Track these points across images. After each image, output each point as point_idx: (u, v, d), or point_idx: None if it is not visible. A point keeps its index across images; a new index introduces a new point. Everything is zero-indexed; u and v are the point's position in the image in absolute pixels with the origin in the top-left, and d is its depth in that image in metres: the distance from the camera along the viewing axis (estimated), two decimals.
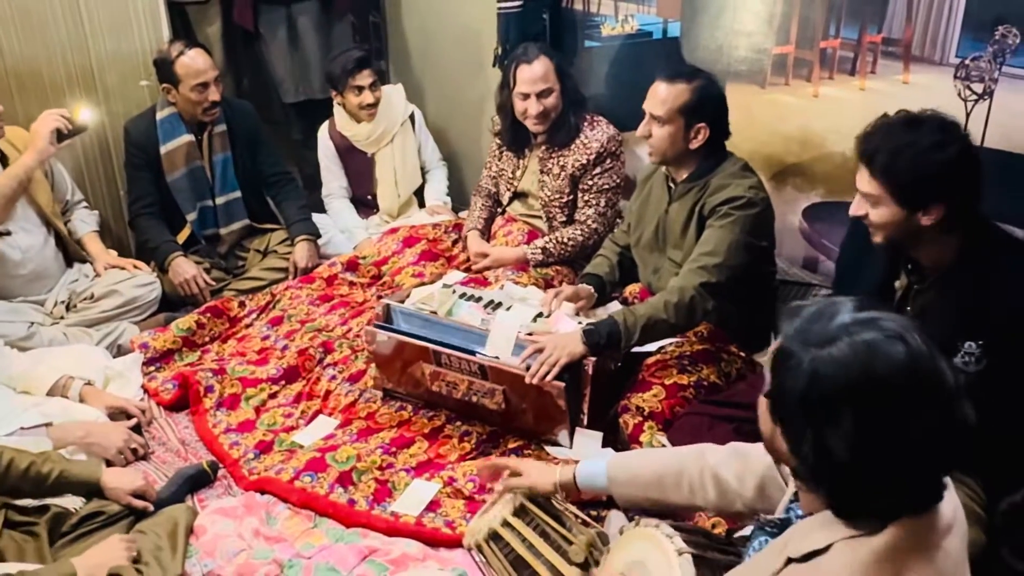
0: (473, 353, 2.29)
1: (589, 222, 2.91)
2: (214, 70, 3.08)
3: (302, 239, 3.29)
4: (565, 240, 2.92)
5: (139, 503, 2.04)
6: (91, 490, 2.03)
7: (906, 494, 1.06)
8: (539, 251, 2.92)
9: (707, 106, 2.29)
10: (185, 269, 3.10)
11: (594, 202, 2.91)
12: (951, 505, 1.12)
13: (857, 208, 1.76)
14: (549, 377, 2.15)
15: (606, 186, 2.90)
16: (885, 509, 1.07)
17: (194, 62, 3.03)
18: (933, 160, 1.65)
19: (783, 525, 1.22)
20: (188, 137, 3.15)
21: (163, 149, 3.14)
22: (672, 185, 2.44)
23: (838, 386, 1.03)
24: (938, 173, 1.65)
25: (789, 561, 1.12)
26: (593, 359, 2.21)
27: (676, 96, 2.27)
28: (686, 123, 2.29)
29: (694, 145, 2.32)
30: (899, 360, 1.02)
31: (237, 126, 3.26)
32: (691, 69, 2.38)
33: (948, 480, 1.14)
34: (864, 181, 1.72)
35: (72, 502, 2.00)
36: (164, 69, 3.06)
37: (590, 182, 2.91)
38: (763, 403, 1.17)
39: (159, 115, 3.13)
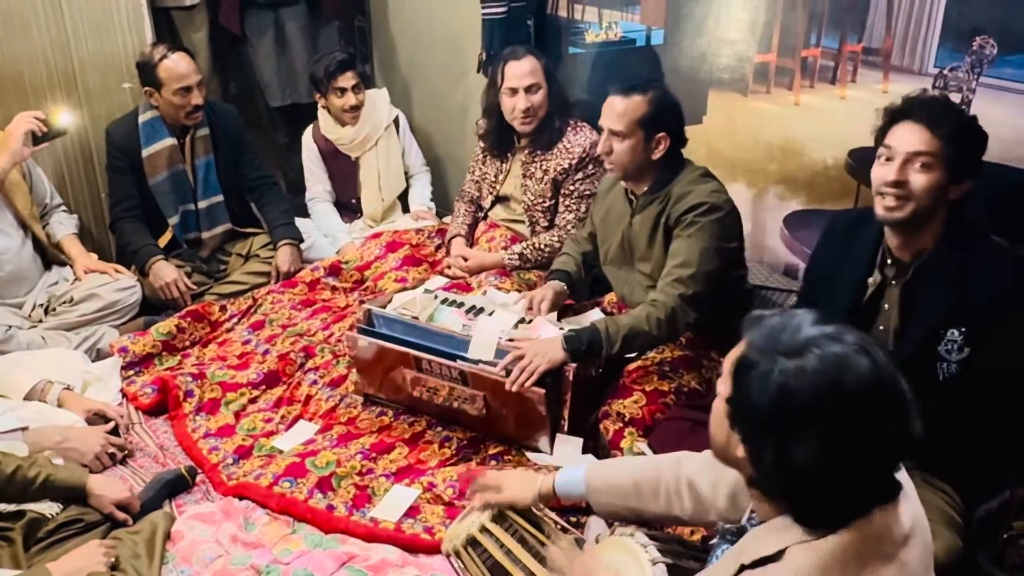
0: (454, 359, 2.29)
1: (568, 227, 2.91)
2: (197, 74, 3.07)
3: (284, 243, 3.28)
4: (542, 246, 2.92)
5: (121, 515, 2.02)
6: (76, 496, 2.01)
7: (862, 497, 1.07)
8: (516, 256, 2.93)
9: (666, 115, 2.29)
10: (166, 273, 3.08)
11: (574, 207, 2.92)
12: (909, 516, 1.12)
13: (902, 172, 1.71)
14: (528, 383, 2.15)
15: (586, 192, 2.91)
16: (841, 512, 1.07)
17: (177, 66, 3.01)
18: (981, 131, 1.71)
19: (740, 533, 1.22)
20: (170, 140, 3.14)
21: (145, 152, 3.12)
22: (632, 198, 2.43)
23: (807, 399, 1.03)
24: (977, 135, 1.71)
25: (742, 568, 1.12)
26: (574, 365, 2.21)
27: (634, 108, 2.26)
28: (646, 135, 2.28)
29: (656, 156, 2.31)
30: (866, 373, 1.03)
31: (220, 130, 3.25)
32: (644, 81, 2.36)
33: (910, 491, 1.16)
34: (920, 140, 1.69)
35: (49, 508, 1.98)
36: (147, 72, 3.04)
37: (571, 187, 2.91)
38: (719, 409, 1.15)
39: (141, 118, 3.12)
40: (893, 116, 1.75)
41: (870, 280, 1.85)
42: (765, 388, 1.05)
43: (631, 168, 2.33)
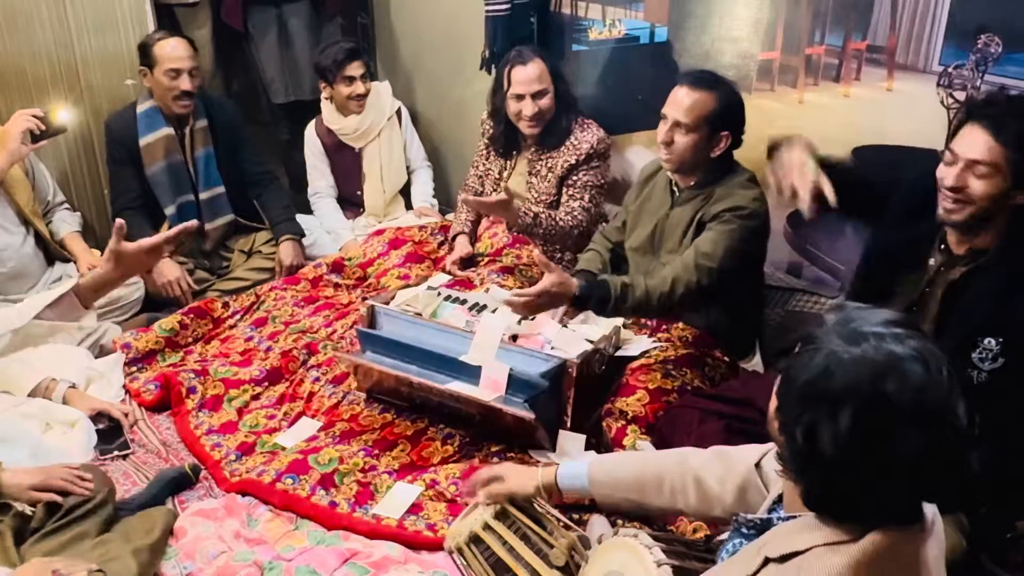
0: (451, 363, 2.27)
1: (576, 213, 2.88)
2: (191, 61, 3.06)
3: (286, 239, 3.28)
4: (556, 219, 2.86)
5: (44, 496, 1.93)
6: None
7: (881, 507, 1.06)
8: (530, 216, 2.81)
9: (731, 114, 2.28)
10: (168, 271, 3.09)
11: (579, 196, 2.91)
12: (930, 512, 1.12)
13: (960, 178, 1.68)
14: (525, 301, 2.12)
15: (590, 183, 2.90)
16: (858, 514, 1.07)
17: (172, 48, 3.04)
18: None
19: (763, 527, 1.21)
20: (167, 130, 3.15)
21: (142, 141, 3.13)
22: (676, 190, 2.43)
23: (846, 384, 1.03)
24: None
25: (767, 562, 1.11)
26: (577, 363, 2.20)
27: (703, 103, 2.24)
28: (710, 131, 2.27)
29: (715, 153, 2.30)
30: (913, 381, 1.01)
31: (219, 123, 3.25)
32: (711, 75, 2.34)
33: None
34: (981, 147, 1.65)
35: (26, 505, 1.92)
36: (144, 51, 3.07)
37: (575, 178, 2.91)
38: (779, 379, 1.17)
39: (139, 108, 3.14)
40: (965, 116, 1.72)
41: (932, 261, 1.84)
42: (810, 363, 1.06)
43: (688, 162, 2.32)
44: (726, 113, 2.27)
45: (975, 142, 1.67)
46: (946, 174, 1.72)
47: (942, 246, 1.82)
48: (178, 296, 3.08)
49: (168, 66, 3.02)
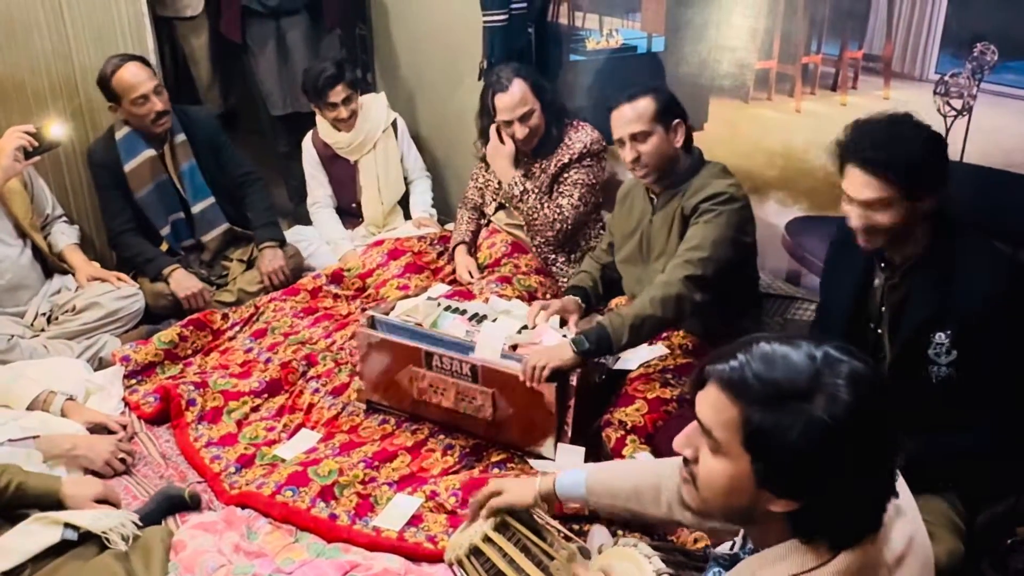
0: (466, 354, 2.29)
1: (561, 209, 2.90)
2: (152, 80, 3.02)
3: (266, 246, 3.28)
4: (545, 209, 2.90)
5: (104, 507, 2.00)
6: (52, 502, 1.97)
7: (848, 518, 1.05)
8: (521, 185, 2.90)
9: (673, 105, 2.33)
10: (191, 283, 3.11)
11: (568, 192, 2.91)
12: (905, 535, 1.10)
13: (861, 218, 1.72)
14: (540, 377, 2.15)
15: (581, 181, 2.90)
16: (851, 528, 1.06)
17: (129, 76, 2.97)
18: (926, 137, 1.70)
19: (733, 560, 1.20)
20: (150, 152, 3.12)
21: (127, 167, 3.10)
22: (653, 196, 2.45)
23: (853, 427, 1.00)
24: (932, 152, 1.69)
25: None
26: (579, 371, 2.21)
27: (645, 108, 2.29)
28: (664, 127, 2.30)
29: (678, 143, 2.33)
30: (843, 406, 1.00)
31: (196, 133, 3.22)
32: (638, 86, 2.37)
33: (907, 508, 1.14)
34: (865, 187, 1.69)
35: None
36: (105, 88, 3.02)
37: (565, 175, 2.92)
38: (730, 476, 1.07)
39: (118, 135, 3.10)
40: (840, 157, 1.75)
41: (876, 283, 1.87)
42: (808, 433, 1.00)
43: (663, 163, 2.33)
44: (670, 104, 2.31)
45: (857, 184, 1.70)
46: (849, 213, 1.76)
47: (883, 264, 1.85)
48: (201, 308, 3.09)
49: (133, 95, 2.97)
